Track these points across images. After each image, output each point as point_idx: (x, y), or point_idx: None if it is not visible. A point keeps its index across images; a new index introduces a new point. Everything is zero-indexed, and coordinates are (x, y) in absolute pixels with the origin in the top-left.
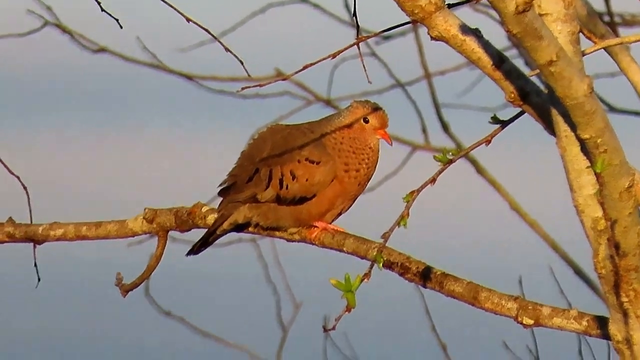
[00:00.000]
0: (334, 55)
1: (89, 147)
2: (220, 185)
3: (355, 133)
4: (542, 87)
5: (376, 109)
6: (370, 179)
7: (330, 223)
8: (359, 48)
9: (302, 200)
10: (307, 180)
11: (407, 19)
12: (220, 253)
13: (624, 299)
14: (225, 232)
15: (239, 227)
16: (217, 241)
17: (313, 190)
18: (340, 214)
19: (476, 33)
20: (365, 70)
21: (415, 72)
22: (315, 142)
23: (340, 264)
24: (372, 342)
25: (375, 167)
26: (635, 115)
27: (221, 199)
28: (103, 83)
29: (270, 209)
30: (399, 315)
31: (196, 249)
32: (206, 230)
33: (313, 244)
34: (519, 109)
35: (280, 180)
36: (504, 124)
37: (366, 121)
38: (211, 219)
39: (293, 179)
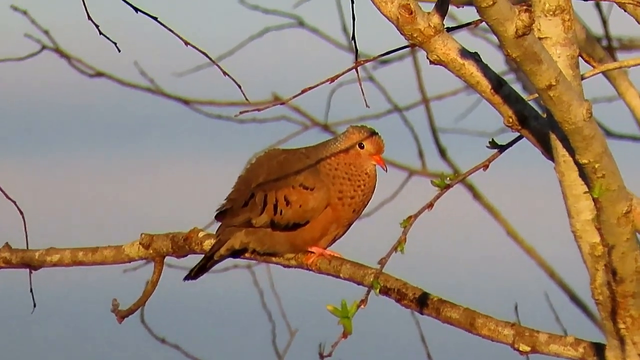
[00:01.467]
0: (332, 80)
1: (86, 172)
2: (217, 209)
3: (351, 159)
4: (540, 111)
5: (372, 134)
6: (366, 205)
7: (326, 248)
8: (357, 72)
9: (296, 226)
10: (300, 206)
11: (405, 43)
12: (215, 279)
13: (621, 326)
14: (222, 257)
15: (236, 253)
16: (213, 267)
17: (306, 217)
18: (335, 239)
19: (475, 57)
20: (363, 95)
21: (413, 96)
22: (311, 168)
23: (337, 290)
24: None
25: (372, 192)
26: (633, 140)
27: (219, 223)
28: (100, 107)
29: (266, 235)
30: (395, 342)
31: (194, 274)
32: (203, 255)
33: (309, 270)
34: (517, 134)
35: (275, 206)
36: (501, 148)
37: (362, 146)
38: (208, 244)
39: (287, 204)
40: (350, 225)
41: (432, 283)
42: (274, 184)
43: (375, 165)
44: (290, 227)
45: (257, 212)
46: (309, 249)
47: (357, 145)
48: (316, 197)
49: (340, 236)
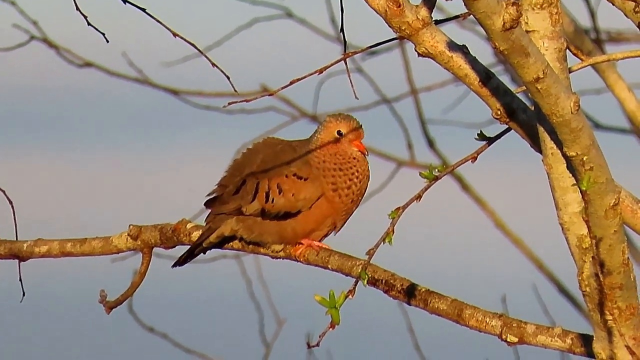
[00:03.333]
0: (320, 71)
1: (74, 162)
2: (208, 194)
3: (334, 148)
4: (528, 104)
5: (349, 121)
6: (364, 192)
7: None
8: (346, 64)
9: (287, 215)
10: (292, 195)
11: (394, 35)
12: (204, 269)
13: (608, 317)
14: (211, 244)
15: (226, 240)
16: (201, 257)
17: (298, 206)
18: (327, 234)
19: (463, 49)
20: (352, 86)
21: (402, 87)
22: (305, 158)
23: (325, 281)
24: (356, 359)
25: (367, 178)
26: (621, 132)
27: (208, 211)
28: (89, 97)
29: (255, 223)
30: (383, 333)
31: (182, 261)
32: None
33: (298, 261)
34: (505, 126)
35: (267, 194)
36: (490, 140)
37: (340, 134)
38: (196, 235)
39: (279, 192)
40: (349, 215)
41: (420, 274)
42: (267, 172)
43: (356, 150)
44: (280, 216)
45: (247, 200)
46: (298, 242)
47: (335, 133)
48: (309, 187)
49: (340, 228)
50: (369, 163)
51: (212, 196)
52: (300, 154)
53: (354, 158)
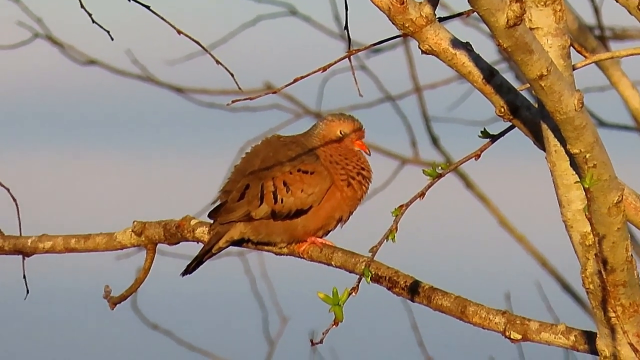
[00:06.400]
0: (324, 69)
1: (78, 159)
2: (212, 202)
3: (338, 147)
4: (532, 101)
5: (351, 120)
6: (369, 185)
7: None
8: (350, 61)
9: (298, 213)
10: (302, 191)
11: (398, 33)
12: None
13: (612, 314)
14: (221, 249)
15: (235, 244)
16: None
17: (309, 202)
18: (339, 225)
19: (467, 47)
20: (356, 84)
21: (405, 85)
22: (305, 152)
23: (328, 278)
24: (359, 356)
25: (370, 172)
26: (625, 129)
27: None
28: (93, 95)
29: (262, 224)
30: (387, 330)
31: (191, 269)
32: (196, 244)
33: (301, 258)
34: (508, 123)
35: (274, 194)
36: (493, 138)
37: (342, 133)
38: (200, 232)
39: (287, 191)
40: (356, 207)
41: (424, 271)
42: (269, 171)
43: (358, 150)
44: (292, 215)
45: (255, 204)
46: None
47: (338, 132)
48: (317, 180)
49: (346, 220)
50: (372, 161)
51: (215, 205)
52: (301, 149)
53: (358, 150)
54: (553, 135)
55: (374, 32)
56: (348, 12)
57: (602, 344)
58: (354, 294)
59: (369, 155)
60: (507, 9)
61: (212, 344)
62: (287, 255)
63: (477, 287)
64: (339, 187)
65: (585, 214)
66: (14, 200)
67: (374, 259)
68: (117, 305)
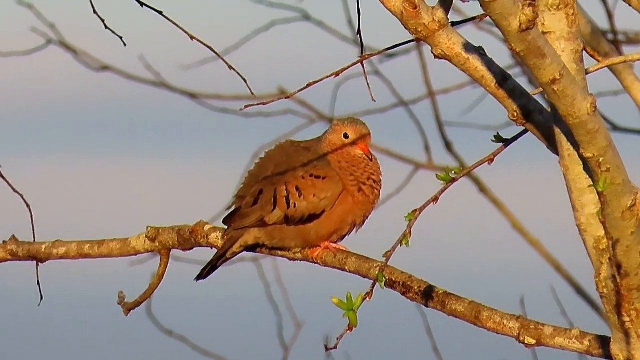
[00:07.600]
0: (337, 74)
1: (91, 165)
2: (226, 208)
3: (345, 151)
4: (545, 105)
5: (355, 124)
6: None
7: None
8: (363, 66)
9: (311, 218)
10: (314, 195)
11: (411, 37)
12: (222, 272)
13: (626, 319)
14: (235, 254)
15: (249, 249)
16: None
17: (321, 206)
18: (353, 230)
19: (480, 51)
20: (369, 88)
21: (419, 90)
22: (317, 158)
23: (342, 283)
24: None
25: (380, 176)
26: (638, 134)
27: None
28: (106, 101)
29: (276, 229)
30: (401, 335)
31: (205, 274)
32: (210, 249)
33: (315, 263)
34: (522, 128)
35: (287, 199)
36: (506, 142)
37: (346, 137)
38: (214, 237)
39: (300, 196)
40: (370, 212)
41: (438, 276)
42: (282, 177)
43: (360, 153)
44: (305, 220)
45: (268, 210)
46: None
47: (342, 136)
48: (329, 184)
49: (361, 226)
50: (385, 167)
51: (230, 210)
52: (313, 155)
53: (362, 156)
54: (566, 139)
55: (387, 37)
56: (361, 17)
57: (617, 349)
58: (368, 299)
59: (371, 159)
60: (519, 13)
61: (227, 349)
62: (301, 260)
63: (491, 291)
64: (351, 192)
65: (599, 218)
66: (28, 206)
67: (388, 263)
68: (131, 311)
